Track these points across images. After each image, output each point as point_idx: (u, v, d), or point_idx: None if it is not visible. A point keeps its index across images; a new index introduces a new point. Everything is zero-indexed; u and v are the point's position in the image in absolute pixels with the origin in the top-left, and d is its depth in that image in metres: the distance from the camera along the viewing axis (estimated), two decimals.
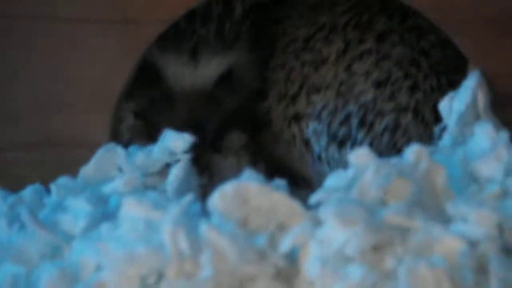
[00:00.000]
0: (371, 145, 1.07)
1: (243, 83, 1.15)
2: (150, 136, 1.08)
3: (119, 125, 1.10)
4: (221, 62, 1.10)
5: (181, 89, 1.09)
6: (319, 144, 1.09)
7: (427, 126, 1.06)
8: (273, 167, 1.16)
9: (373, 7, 1.11)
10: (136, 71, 1.06)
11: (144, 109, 1.12)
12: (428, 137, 1.06)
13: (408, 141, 1.07)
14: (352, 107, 1.07)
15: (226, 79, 1.12)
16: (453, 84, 1.08)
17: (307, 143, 1.10)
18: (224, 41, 1.10)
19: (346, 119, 1.08)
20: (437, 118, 1.05)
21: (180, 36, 1.08)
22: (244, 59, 1.13)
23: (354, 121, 1.07)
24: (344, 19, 1.11)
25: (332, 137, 1.08)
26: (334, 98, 1.09)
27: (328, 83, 1.09)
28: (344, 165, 1.07)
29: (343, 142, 1.08)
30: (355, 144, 1.07)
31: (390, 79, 1.08)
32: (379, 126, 1.07)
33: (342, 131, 1.08)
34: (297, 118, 1.11)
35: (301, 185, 1.13)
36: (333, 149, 1.08)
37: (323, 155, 1.09)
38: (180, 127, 1.01)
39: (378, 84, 1.08)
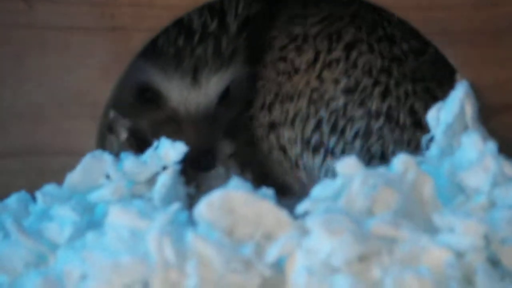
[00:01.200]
0: (343, 151, 1.08)
1: (238, 97, 1.16)
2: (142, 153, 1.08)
3: (107, 135, 1.10)
4: (221, 79, 1.12)
5: (186, 112, 1.11)
6: (294, 152, 1.10)
7: (403, 130, 1.07)
8: (261, 175, 1.17)
9: (344, 19, 1.13)
10: (135, 92, 1.09)
11: (143, 129, 1.12)
12: (406, 142, 1.07)
13: (382, 146, 1.08)
14: (323, 113, 1.08)
15: (225, 96, 1.14)
16: (429, 91, 1.09)
17: (284, 150, 1.11)
18: (222, 58, 1.11)
19: (318, 125, 1.09)
20: (415, 122, 1.07)
21: (180, 57, 1.10)
22: (239, 73, 1.14)
23: (325, 128, 1.08)
24: (315, 30, 1.13)
25: (306, 144, 1.09)
26: (306, 105, 1.10)
27: (300, 91, 1.11)
28: (319, 171, 1.08)
29: (316, 149, 1.09)
30: (327, 150, 1.08)
31: (359, 86, 1.09)
32: (350, 132, 1.08)
33: (315, 137, 1.09)
34: (273, 126, 1.12)
35: (284, 192, 1.13)
36: (307, 156, 1.09)
37: (300, 162, 1.10)
38: (190, 148, 1.02)
39: (348, 91, 1.09)
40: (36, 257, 0.91)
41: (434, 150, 0.98)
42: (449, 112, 0.99)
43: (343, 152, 1.08)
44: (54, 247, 0.91)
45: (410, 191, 0.87)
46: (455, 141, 0.98)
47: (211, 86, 1.11)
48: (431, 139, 1.00)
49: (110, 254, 0.85)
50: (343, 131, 1.08)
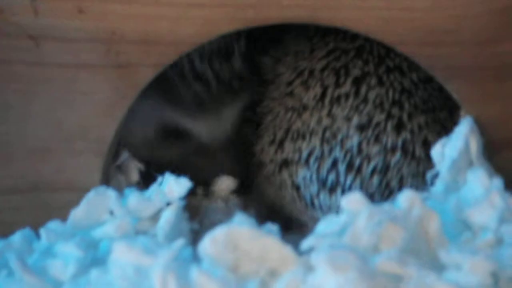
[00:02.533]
0: (361, 188, 1.07)
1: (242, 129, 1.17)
2: None
3: (117, 175, 1.10)
4: (233, 109, 1.16)
5: (215, 142, 1.16)
6: (309, 191, 1.09)
7: (419, 163, 1.07)
8: (265, 210, 1.16)
9: (349, 53, 1.12)
10: (156, 130, 1.14)
11: (165, 164, 1.13)
12: (422, 174, 1.06)
13: (400, 180, 1.07)
14: (338, 153, 1.07)
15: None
16: (441, 121, 1.09)
17: (297, 188, 1.10)
18: (232, 91, 1.14)
19: (334, 165, 1.08)
20: (429, 154, 1.06)
21: (197, 95, 1.12)
22: (250, 101, 1.17)
23: (342, 167, 1.07)
24: (321, 64, 1.12)
25: (322, 184, 1.08)
26: (320, 144, 1.09)
27: (312, 129, 1.10)
28: (337, 210, 1.07)
29: (333, 189, 1.08)
30: (345, 189, 1.07)
31: (372, 121, 1.09)
32: (367, 169, 1.07)
33: (331, 177, 1.08)
34: (286, 163, 1.11)
35: (295, 228, 1.12)
36: (324, 195, 1.08)
37: (315, 201, 1.09)
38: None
39: (361, 128, 1.09)
40: None
41: (439, 186, 0.97)
42: (454, 147, 0.99)
43: (361, 189, 1.07)
44: (58, 284, 0.91)
45: (416, 228, 0.86)
46: (461, 177, 0.98)
47: (229, 119, 1.16)
48: (436, 175, 1.00)
49: None
50: (359, 169, 1.07)
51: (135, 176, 1.11)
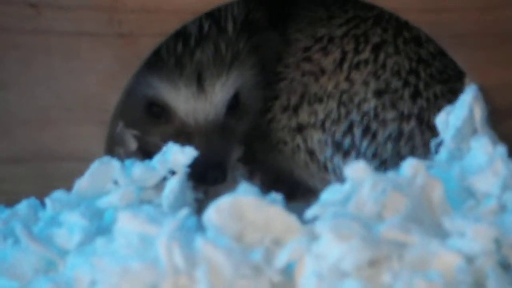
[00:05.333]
0: (375, 154, 1.08)
1: (248, 107, 1.15)
2: None
3: (116, 143, 1.09)
4: (225, 85, 1.10)
5: (195, 122, 1.10)
6: (324, 154, 1.09)
7: (433, 132, 1.07)
8: (272, 177, 1.17)
9: (368, 21, 1.12)
10: (143, 107, 1.09)
11: (153, 144, 1.11)
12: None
13: (412, 148, 1.08)
14: (354, 116, 1.08)
15: (233, 105, 1.12)
16: (455, 92, 1.09)
17: (311, 153, 1.11)
18: (224, 63, 1.10)
19: (350, 128, 1.09)
20: None
21: (181, 65, 1.08)
22: (246, 80, 1.13)
23: (357, 131, 1.08)
24: (340, 31, 1.12)
25: (337, 147, 1.09)
26: (336, 107, 1.10)
27: (330, 92, 1.10)
28: None
29: (348, 152, 1.09)
30: (359, 153, 1.08)
31: (389, 88, 1.09)
32: (382, 135, 1.08)
33: (347, 141, 1.08)
34: (300, 128, 1.12)
35: (304, 193, 1.13)
36: (338, 158, 1.09)
37: (329, 165, 1.10)
38: (200, 160, 1.01)
39: (379, 93, 1.09)
40: (45, 263, 0.91)
41: (443, 154, 0.98)
42: (458, 116, 0.99)
43: (375, 155, 1.08)
44: (63, 253, 0.91)
45: (420, 196, 0.86)
46: (464, 145, 0.98)
47: (217, 93, 1.10)
48: (440, 143, 1.00)
49: (120, 260, 0.84)
50: (375, 134, 1.08)
51: (133, 145, 1.10)
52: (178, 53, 1.08)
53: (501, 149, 0.92)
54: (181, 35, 1.07)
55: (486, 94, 1.01)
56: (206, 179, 1.07)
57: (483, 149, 0.94)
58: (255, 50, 1.14)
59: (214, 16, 1.09)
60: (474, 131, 0.99)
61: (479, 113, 0.99)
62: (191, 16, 1.03)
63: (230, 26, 1.10)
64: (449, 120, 0.99)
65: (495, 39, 1.03)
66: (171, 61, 1.08)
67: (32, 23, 1.04)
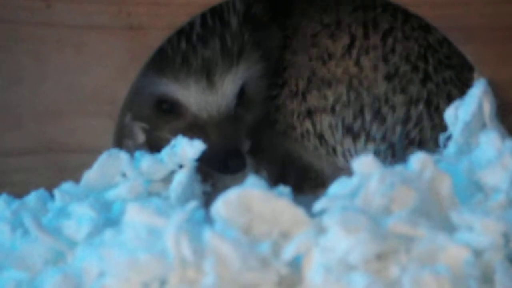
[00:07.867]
0: (384, 137, 1.09)
1: (255, 96, 1.16)
2: None
3: (124, 135, 1.10)
4: (234, 77, 1.11)
5: (208, 115, 1.11)
6: (334, 138, 1.10)
7: (441, 116, 1.07)
8: (278, 169, 1.17)
9: (377, 8, 1.13)
10: (152, 105, 1.10)
11: (164, 140, 1.11)
12: (444, 128, 1.07)
13: (420, 132, 1.09)
14: (365, 100, 1.08)
15: (241, 96, 1.13)
16: (463, 79, 1.10)
17: (321, 137, 1.11)
18: (231, 56, 1.11)
19: (360, 112, 1.09)
20: None
21: (189, 62, 1.09)
22: (253, 71, 1.14)
23: (368, 114, 1.09)
24: (349, 18, 1.13)
25: (347, 131, 1.10)
26: (346, 91, 1.10)
27: (339, 77, 1.11)
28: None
29: (358, 135, 1.09)
30: (369, 136, 1.09)
31: (398, 72, 1.10)
32: (392, 119, 1.08)
33: (357, 124, 1.09)
34: (310, 112, 1.12)
35: (313, 177, 1.14)
36: (348, 142, 1.09)
37: (338, 148, 1.10)
38: (218, 150, 1.05)
39: (388, 77, 1.10)
40: (54, 254, 0.91)
41: (451, 148, 0.98)
42: (467, 110, 0.99)
43: (383, 138, 1.09)
44: (72, 244, 0.92)
45: (428, 189, 0.86)
46: (473, 139, 0.98)
47: (226, 86, 1.11)
48: (449, 137, 1.00)
49: (128, 252, 0.85)
50: (385, 118, 1.09)
51: (141, 137, 1.11)
52: (184, 50, 1.09)
53: (510, 144, 0.92)
54: (184, 31, 1.08)
55: (495, 88, 1.01)
56: (228, 168, 1.08)
57: (491, 143, 0.94)
58: (259, 42, 1.14)
59: (216, 11, 1.10)
60: (483, 125, 0.99)
61: (488, 107, 0.99)
62: (200, 9, 1.03)
63: (233, 20, 1.11)
64: (458, 114, 0.99)
65: (504, 33, 1.03)
66: (178, 58, 1.09)
67: (43, 16, 1.04)
